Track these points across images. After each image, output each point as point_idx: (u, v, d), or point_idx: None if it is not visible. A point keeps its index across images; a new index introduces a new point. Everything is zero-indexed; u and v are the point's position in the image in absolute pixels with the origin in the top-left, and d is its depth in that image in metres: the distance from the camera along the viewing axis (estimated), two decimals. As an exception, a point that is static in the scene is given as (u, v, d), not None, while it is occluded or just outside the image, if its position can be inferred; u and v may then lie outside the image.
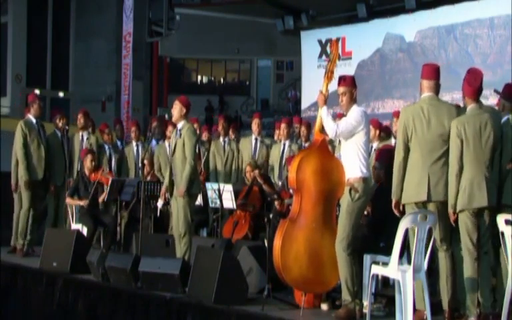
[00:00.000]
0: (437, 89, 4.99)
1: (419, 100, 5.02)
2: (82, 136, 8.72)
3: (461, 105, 5.26)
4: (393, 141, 7.45)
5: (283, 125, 8.59)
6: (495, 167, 4.83)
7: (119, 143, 9.26)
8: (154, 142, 9.11)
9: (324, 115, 5.21)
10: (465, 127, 4.76)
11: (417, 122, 4.87)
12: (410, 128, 4.89)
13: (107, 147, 8.90)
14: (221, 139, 8.98)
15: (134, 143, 9.04)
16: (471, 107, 4.88)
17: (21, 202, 8.00)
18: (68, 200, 8.06)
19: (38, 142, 8.02)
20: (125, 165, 9.00)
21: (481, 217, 4.80)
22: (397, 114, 7.72)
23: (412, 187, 4.86)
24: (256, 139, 8.68)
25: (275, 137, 9.25)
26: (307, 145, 8.44)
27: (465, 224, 4.77)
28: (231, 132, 9.15)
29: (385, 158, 5.88)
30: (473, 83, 4.88)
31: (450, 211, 4.79)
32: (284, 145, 8.44)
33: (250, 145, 8.69)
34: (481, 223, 4.80)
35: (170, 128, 8.60)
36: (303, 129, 8.72)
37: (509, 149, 4.85)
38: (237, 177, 8.67)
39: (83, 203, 7.90)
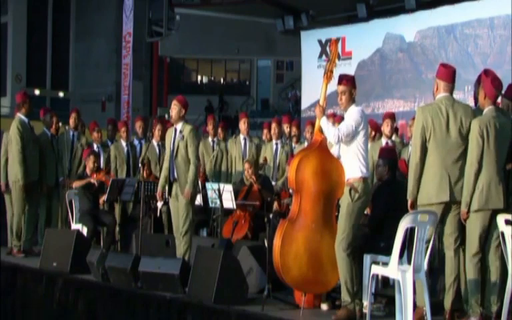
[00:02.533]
0: (452, 90, 4.98)
1: (435, 100, 4.97)
2: (73, 135, 8.70)
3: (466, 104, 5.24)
4: (383, 141, 7.46)
5: (273, 125, 8.61)
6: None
7: (109, 142, 9.20)
8: (136, 142, 9.07)
9: (324, 124, 5.21)
10: (487, 127, 4.75)
11: (435, 122, 4.84)
12: (429, 128, 4.85)
13: (95, 145, 8.87)
14: (210, 138, 8.98)
15: (123, 143, 8.90)
16: (490, 108, 4.86)
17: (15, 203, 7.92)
18: (76, 183, 7.94)
19: (32, 142, 7.94)
20: (113, 163, 8.89)
21: (493, 219, 4.78)
22: (387, 115, 7.71)
23: (432, 187, 4.83)
24: (245, 139, 8.71)
25: (263, 137, 9.22)
26: (297, 145, 8.44)
27: (477, 224, 4.76)
28: (219, 131, 9.15)
29: (388, 155, 5.89)
30: (498, 87, 4.88)
31: (463, 209, 4.78)
32: (276, 144, 8.47)
33: (239, 144, 8.71)
34: (492, 225, 4.79)
35: (158, 127, 8.66)
36: (294, 130, 8.72)
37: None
38: (226, 178, 8.66)
39: (93, 180, 7.87)
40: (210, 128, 9.09)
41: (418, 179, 4.90)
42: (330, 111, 5.45)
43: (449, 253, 4.92)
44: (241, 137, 8.77)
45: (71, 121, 8.83)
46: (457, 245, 4.90)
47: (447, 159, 4.83)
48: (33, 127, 8.09)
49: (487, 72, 4.99)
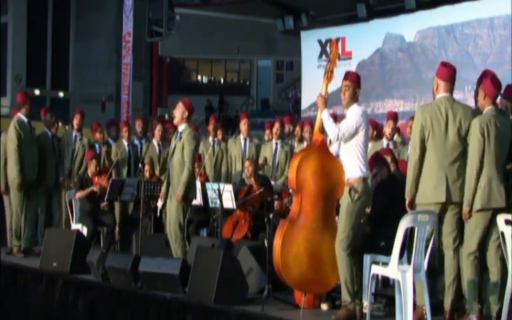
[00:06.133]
0: (452, 90, 4.97)
1: (435, 100, 4.96)
2: (75, 136, 8.70)
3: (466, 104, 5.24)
4: (384, 142, 7.42)
5: (276, 124, 8.62)
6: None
7: (110, 141, 9.19)
8: (137, 141, 9.07)
9: (325, 118, 5.18)
10: (488, 126, 4.74)
11: (434, 122, 4.84)
12: (427, 128, 4.85)
13: (97, 145, 8.86)
14: (210, 138, 9.00)
15: (125, 142, 8.90)
16: (490, 108, 4.85)
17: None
18: (79, 193, 7.95)
19: (31, 142, 7.93)
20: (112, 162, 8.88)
21: (494, 218, 4.78)
22: (389, 117, 7.68)
23: (429, 187, 4.83)
24: (245, 139, 8.71)
25: (265, 137, 9.24)
26: (299, 144, 8.44)
27: (479, 223, 4.76)
28: (218, 132, 9.16)
29: (376, 160, 5.92)
30: (497, 85, 4.88)
31: (465, 209, 4.77)
32: (276, 144, 8.47)
33: (239, 145, 8.72)
34: (493, 224, 4.78)
35: (158, 127, 8.73)
36: (297, 129, 8.73)
37: None
38: (226, 178, 8.66)
39: (95, 188, 7.90)
40: (211, 128, 9.10)
41: (416, 178, 4.89)
42: (331, 111, 5.40)
43: (448, 253, 4.90)
44: (241, 137, 8.77)
45: (75, 122, 8.81)
46: (456, 244, 4.89)
47: (445, 160, 4.83)
48: (33, 128, 8.10)
49: (487, 72, 5.00)
